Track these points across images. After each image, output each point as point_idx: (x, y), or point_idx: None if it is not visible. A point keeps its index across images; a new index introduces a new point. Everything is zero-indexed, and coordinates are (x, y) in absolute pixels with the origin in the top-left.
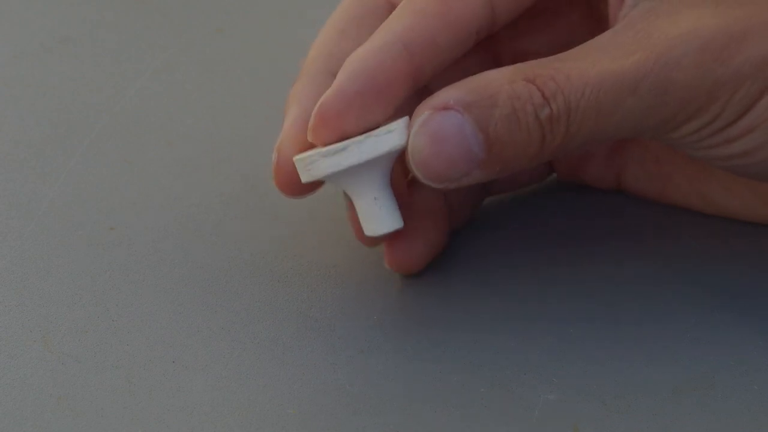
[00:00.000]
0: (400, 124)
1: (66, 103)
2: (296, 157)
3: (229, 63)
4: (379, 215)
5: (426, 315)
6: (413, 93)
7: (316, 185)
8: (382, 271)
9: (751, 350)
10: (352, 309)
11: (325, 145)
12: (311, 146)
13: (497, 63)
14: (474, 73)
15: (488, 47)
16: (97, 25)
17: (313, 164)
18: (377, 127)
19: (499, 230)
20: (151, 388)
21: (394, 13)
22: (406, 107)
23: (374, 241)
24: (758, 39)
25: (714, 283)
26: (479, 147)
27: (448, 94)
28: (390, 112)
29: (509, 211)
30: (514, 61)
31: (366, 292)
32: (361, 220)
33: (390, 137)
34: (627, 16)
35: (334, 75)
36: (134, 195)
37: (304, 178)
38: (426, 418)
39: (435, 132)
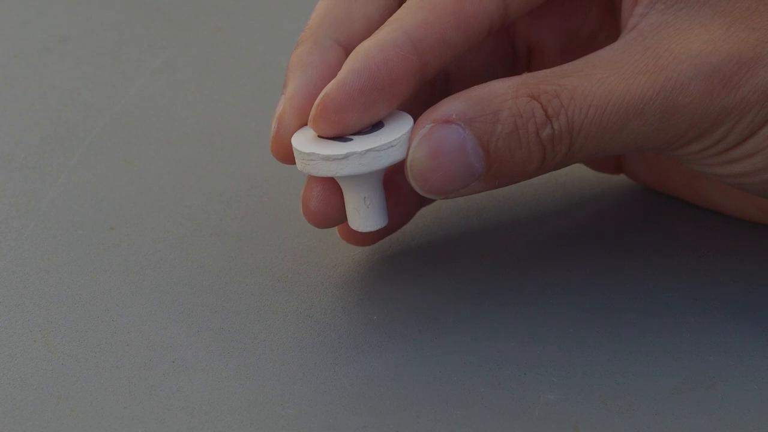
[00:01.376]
0: (401, 138)
1: (66, 103)
2: (295, 145)
3: (228, 63)
4: (367, 214)
5: (426, 315)
6: (420, 86)
7: None
8: (382, 271)
9: (751, 350)
10: (352, 309)
11: (324, 134)
12: (357, 101)
13: (512, 47)
14: (487, 60)
15: (504, 32)
16: (97, 25)
17: (311, 162)
18: (379, 122)
19: (499, 229)
20: (151, 388)
21: (405, 6)
22: (413, 97)
23: (318, 222)
24: (766, 67)
25: (714, 283)
26: (479, 162)
27: (450, 106)
28: (393, 108)
29: (509, 209)
30: (528, 49)
31: (366, 292)
32: (348, 214)
33: (391, 152)
34: (637, 27)
35: (340, 44)
36: (134, 195)
37: (299, 167)
38: (426, 418)
39: (435, 146)
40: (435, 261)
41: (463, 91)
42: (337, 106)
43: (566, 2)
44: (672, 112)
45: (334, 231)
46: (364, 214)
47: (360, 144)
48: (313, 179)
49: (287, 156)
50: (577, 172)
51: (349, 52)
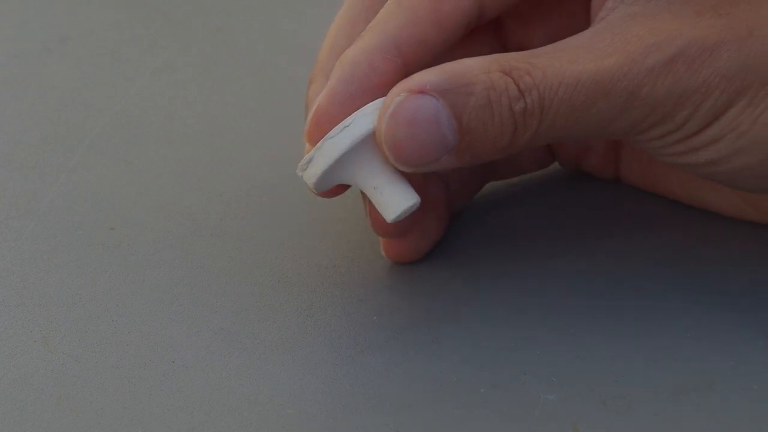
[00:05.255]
0: (355, 116)
1: (66, 103)
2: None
3: (228, 63)
4: (385, 202)
5: (426, 315)
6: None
7: (340, 187)
8: (382, 271)
9: (751, 350)
10: (352, 309)
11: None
12: (350, 109)
13: (505, 51)
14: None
15: (497, 35)
16: (97, 25)
17: (303, 179)
18: None
19: (498, 231)
20: (151, 387)
21: (385, 9)
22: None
23: (387, 232)
24: (731, 52)
25: (714, 283)
26: (452, 134)
27: (424, 77)
28: None
29: (510, 208)
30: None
31: (366, 292)
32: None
33: (347, 133)
34: (606, 18)
35: (394, 42)
36: (134, 195)
37: (313, 189)
38: (426, 418)
39: (411, 115)
40: (434, 262)
41: (436, 66)
42: (330, 117)
43: (554, 7)
44: (636, 93)
45: (334, 231)
46: (382, 203)
47: (318, 145)
48: (379, 229)
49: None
50: (576, 177)
51: None
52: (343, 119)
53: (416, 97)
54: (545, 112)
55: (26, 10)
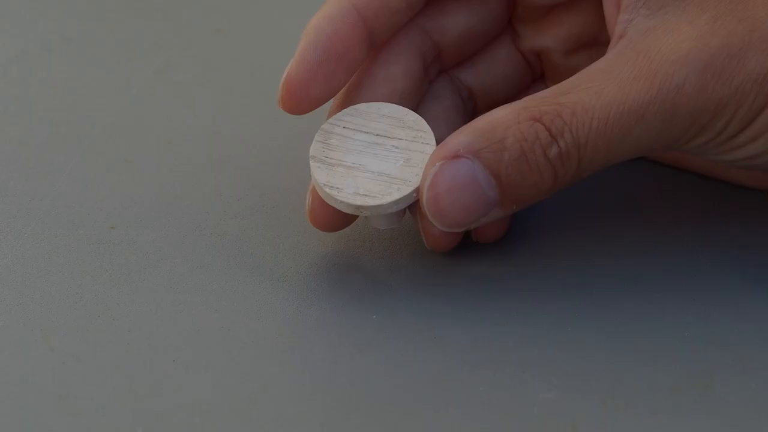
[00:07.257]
0: (405, 194)
1: (66, 103)
2: (341, 199)
3: (228, 63)
4: (381, 218)
5: (426, 315)
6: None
7: (338, 219)
8: (383, 270)
9: (750, 349)
10: (352, 309)
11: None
12: (318, 74)
13: (524, 56)
14: (504, 70)
15: (513, 42)
16: (97, 25)
17: (371, 205)
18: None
19: None
20: (152, 387)
21: None
22: (409, 87)
23: (326, 226)
24: (757, 55)
25: (714, 282)
26: (493, 191)
27: (457, 141)
28: (351, 75)
29: None
30: (536, 56)
31: (366, 292)
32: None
33: (392, 205)
34: (626, 35)
35: (355, 7)
36: (134, 195)
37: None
38: (426, 418)
39: (448, 182)
40: (435, 261)
41: (467, 125)
42: (300, 83)
43: (564, 12)
44: (671, 113)
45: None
46: (378, 218)
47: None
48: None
49: (296, 105)
50: None
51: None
52: (312, 85)
53: (452, 163)
54: (582, 150)
55: (26, 10)
